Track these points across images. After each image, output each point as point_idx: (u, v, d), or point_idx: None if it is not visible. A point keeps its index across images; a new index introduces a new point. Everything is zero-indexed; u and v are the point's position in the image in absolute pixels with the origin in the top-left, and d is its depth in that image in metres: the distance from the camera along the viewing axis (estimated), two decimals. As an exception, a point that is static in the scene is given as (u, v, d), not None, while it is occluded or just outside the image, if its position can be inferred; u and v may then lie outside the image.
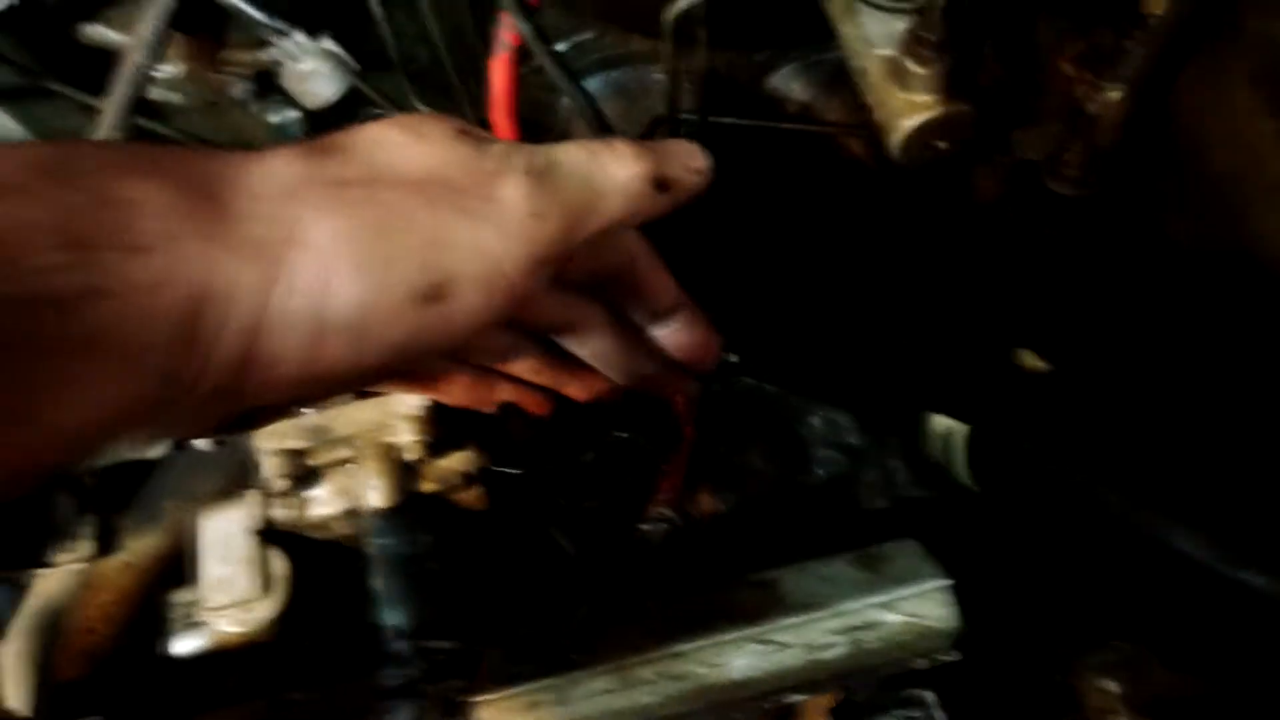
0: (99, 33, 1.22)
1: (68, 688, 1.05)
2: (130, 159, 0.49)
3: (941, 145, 1.02)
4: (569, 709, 0.84)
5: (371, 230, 0.52)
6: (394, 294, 0.52)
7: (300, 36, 1.17)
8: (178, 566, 1.07)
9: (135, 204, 0.47)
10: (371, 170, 0.55)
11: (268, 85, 1.25)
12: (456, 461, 0.98)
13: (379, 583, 0.86)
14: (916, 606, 0.86)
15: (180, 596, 1.03)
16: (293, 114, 1.30)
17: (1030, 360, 0.89)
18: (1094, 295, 0.97)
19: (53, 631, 1.09)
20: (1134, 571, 0.97)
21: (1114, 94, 0.87)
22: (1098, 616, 0.99)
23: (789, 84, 1.42)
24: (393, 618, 0.81)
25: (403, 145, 0.56)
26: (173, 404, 0.49)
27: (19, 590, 1.12)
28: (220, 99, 1.27)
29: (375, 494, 0.96)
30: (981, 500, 0.97)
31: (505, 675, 0.85)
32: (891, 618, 0.86)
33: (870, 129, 1.34)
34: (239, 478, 1.06)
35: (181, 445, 1.11)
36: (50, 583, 1.10)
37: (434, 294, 0.53)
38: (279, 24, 1.17)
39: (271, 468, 0.98)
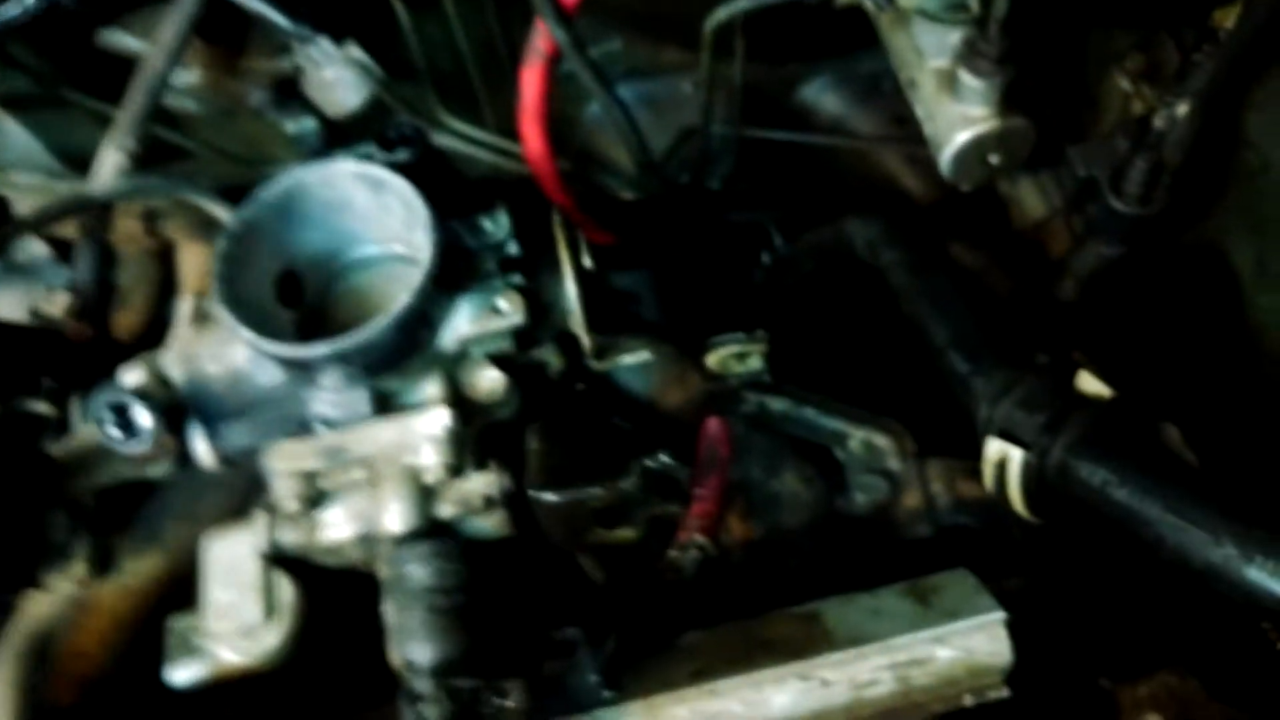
0: (118, 39, 1.18)
1: (59, 715, 1.00)
2: None
3: (995, 161, 0.99)
4: (595, 749, 0.79)
5: None
6: None
7: (325, 43, 1.13)
8: (180, 591, 1.01)
9: None
10: None
11: (288, 93, 1.21)
12: (479, 484, 0.93)
13: (400, 615, 0.80)
14: (970, 641, 0.81)
15: (179, 622, 0.98)
16: (310, 123, 1.26)
17: (1091, 384, 0.84)
18: (1156, 315, 0.93)
19: (44, 656, 1.03)
20: (1189, 602, 0.92)
21: (1181, 109, 0.83)
22: (1147, 646, 0.94)
23: (820, 97, 1.38)
24: (414, 653, 0.75)
25: None
26: None
27: (8, 612, 1.07)
28: (237, 107, 1.23)
29: (393, 517, 0.91)
30: (1031, 529, 0.92)
31: (529, 713, 0.79)
32: (943, 653, 0.81)
33: (906, 143, 1.33)
34: (246, 499, 1.01)
35: (185, 463, 1.06)
36: (42, 605, 1.04)
37: None
38: (303, 30, 1.13)
39: (282, 489, 0.93)
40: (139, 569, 1.10)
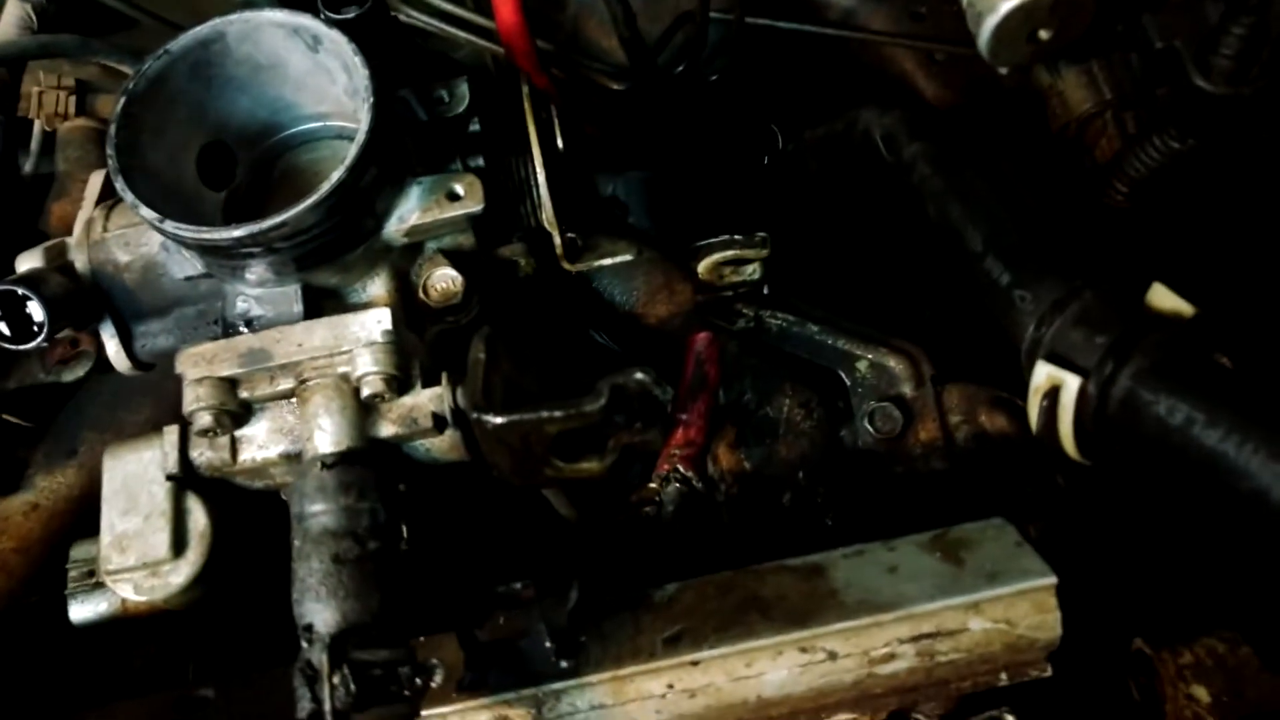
0: None
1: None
2: None
3: (1044, 36, 0.76)
4: (548, 729, 0.59)
5: None
6: None
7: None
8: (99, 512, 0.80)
9: None
10: None
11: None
12: (427, 400, 0.72)
13: (298, 564, 0.59)
14: (1012, 611, 0.60)
15: (81, 551, 0.78)
16: (263, -10, 1.02)
17: (1167, 298, 0.63)
18: (1225, 227, 0.71)
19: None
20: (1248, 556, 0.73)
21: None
22: (1194, 604, 0.74)
23: (830, -16, 1.15)
24: (311, 614, 0.54)
25: None
26: None
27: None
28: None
29: (323, 436, 0.70)
30: (1068, 466, 0.71)
31: (468, 681, 0.58)
32: (977, 624, 0.60)
33: (923, 40, 1.09)
34: (178, 409, 0.79)
35: (105, 368, 0.85)
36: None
37: None
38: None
39: (196, 399, 0.72)
40: (51, 486, 0.91)
